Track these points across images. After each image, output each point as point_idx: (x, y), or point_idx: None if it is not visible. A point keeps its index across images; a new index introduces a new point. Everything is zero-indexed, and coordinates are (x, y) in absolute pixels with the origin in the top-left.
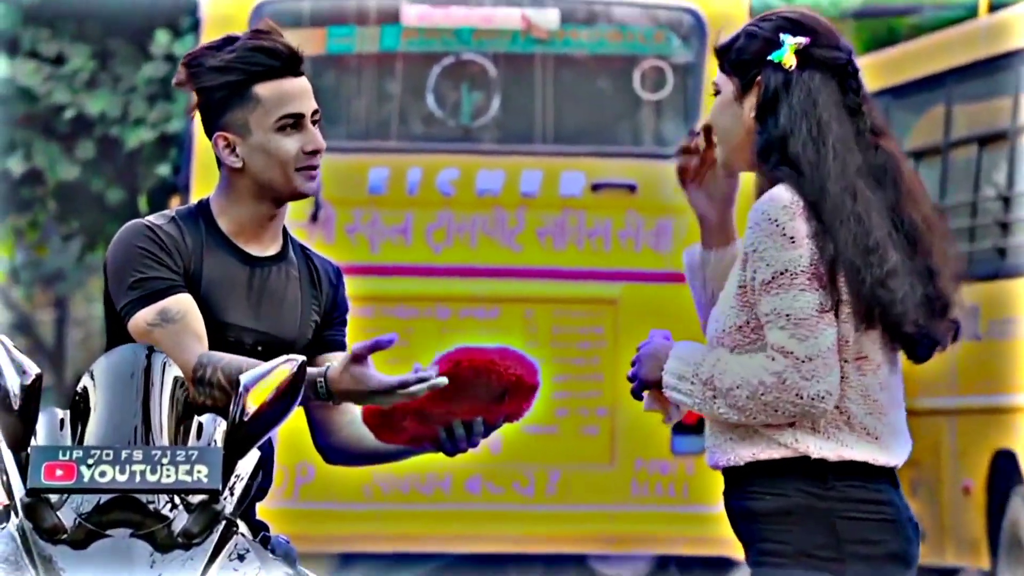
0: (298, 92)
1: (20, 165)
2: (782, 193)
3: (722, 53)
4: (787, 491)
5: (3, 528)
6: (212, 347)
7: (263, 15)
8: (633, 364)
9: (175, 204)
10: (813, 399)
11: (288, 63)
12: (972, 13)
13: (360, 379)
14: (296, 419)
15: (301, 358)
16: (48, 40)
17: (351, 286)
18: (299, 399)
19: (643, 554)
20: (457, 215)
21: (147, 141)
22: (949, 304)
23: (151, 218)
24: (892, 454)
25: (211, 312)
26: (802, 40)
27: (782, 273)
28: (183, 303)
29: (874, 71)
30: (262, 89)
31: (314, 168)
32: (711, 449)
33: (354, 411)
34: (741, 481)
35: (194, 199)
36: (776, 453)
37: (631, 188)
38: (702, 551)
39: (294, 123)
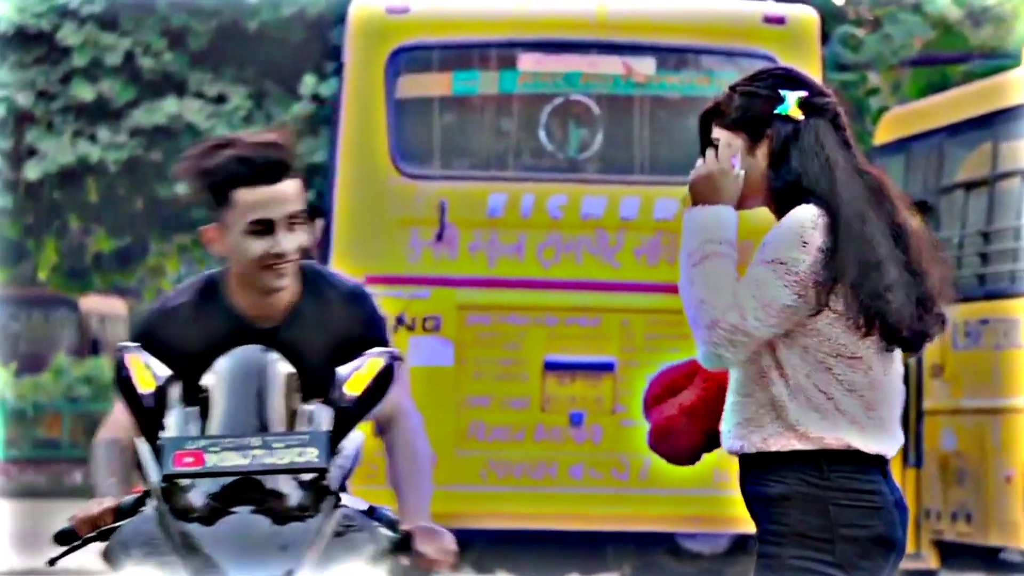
0: (270, 200)
1: (188, 190)
2: (811, 208)
3: (718, 113)
4: (789, 479)
5: (143, 511)
6: None
7: (398, 63)
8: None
9: (319, 225)
10: (726, 323)
11: (265, 173)
12: (1016, 62)
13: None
14: (425, 413)
15: (393, 350)
16: (211, 82)
17: (472, 297)
18: (392, 385)
19: (724, 533)
20: (564, 236)
21: None
22: (936, 300)
23: (174, 303)
24: (880, 444)
25: None
26: (802, 93)
27: (782, 263)
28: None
29: (930, 113)
30: (239, 194)
31: (281, 267)
32: (724, 435)
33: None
34: (752, 468)
35: (336, 219)
36: (771, 445)
37: None
38: None
39: (264, 228)
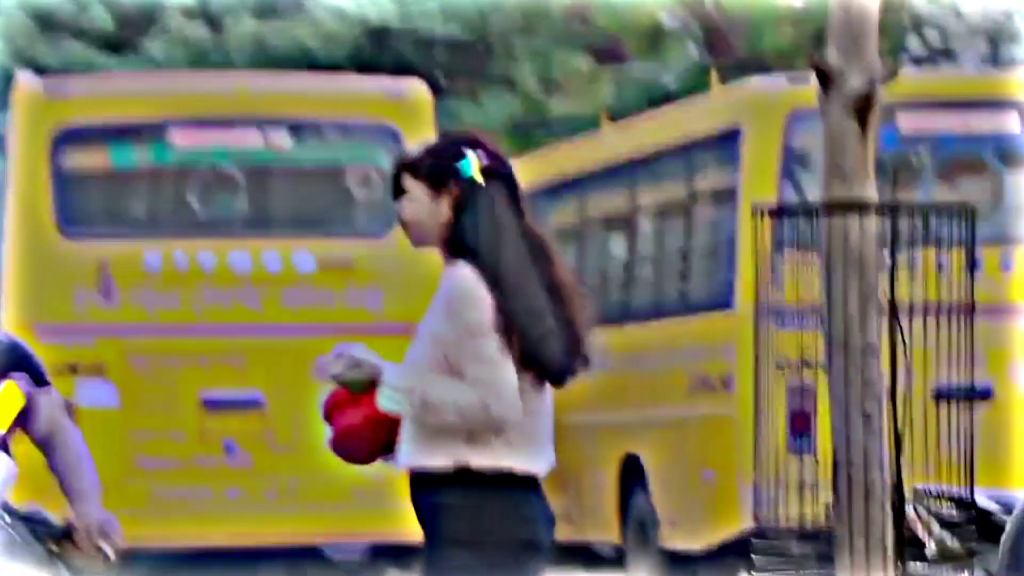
0: None
1: None
2: (466, 268)
3: (411, 166)
4: (451, 493)
5: None
6: None
7: (60, 140)
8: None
9: None
10: (501, 416)
11: None
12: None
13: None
14: (93, 450)
15: (22, 374)
16: None
17: (133, 343)
18: (23, 413)
19: (361, 542)
20: (215, 287)
21: None
22: (582, 342)
23: None
24: (533, 464)
25: None
26: (482, 159)
27: (474, 324)
28: None
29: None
30: None
31: None
32: (398, 451)
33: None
34: (421, 483)
35: (8, 277)
36: (440, 462)
37: (347, 263)
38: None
39: None
